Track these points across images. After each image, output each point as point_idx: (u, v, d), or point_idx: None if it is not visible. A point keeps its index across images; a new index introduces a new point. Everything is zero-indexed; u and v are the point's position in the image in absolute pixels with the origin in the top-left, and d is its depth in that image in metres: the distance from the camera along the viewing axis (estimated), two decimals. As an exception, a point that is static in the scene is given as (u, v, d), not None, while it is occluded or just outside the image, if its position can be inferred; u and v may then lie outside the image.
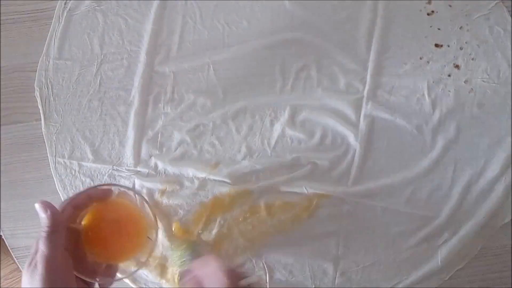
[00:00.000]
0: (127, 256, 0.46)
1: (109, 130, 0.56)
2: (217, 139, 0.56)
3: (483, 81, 0.57)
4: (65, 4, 0.58)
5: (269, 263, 0.54)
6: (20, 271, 0.57)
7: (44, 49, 0.57)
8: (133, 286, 0.53)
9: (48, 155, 0.56)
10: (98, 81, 0.57)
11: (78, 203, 0.43)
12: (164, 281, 0.53)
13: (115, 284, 0.53)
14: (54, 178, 0.56)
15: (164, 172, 0.55)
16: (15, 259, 0.56)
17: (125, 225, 0.45)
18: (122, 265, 0.45)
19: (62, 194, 0.55)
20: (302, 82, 0.57)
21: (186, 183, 0.55)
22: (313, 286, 0.54)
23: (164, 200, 0.54)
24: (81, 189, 0.43)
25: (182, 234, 0.54)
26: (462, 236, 0.55)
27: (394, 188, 0.55)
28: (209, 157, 0.55)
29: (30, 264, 0.38)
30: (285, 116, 0.56)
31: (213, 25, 0.58)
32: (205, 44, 0.58)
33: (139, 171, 0.55)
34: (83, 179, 0.55)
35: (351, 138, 0.56)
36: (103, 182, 0.49)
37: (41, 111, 0.56)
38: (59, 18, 0.58)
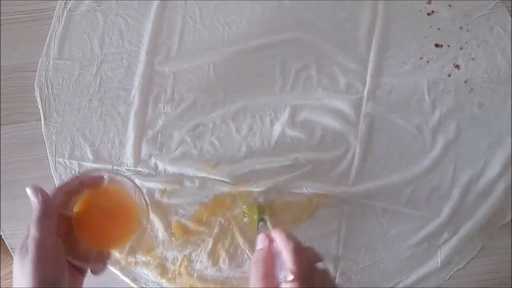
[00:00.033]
0: (119, 242, 0.46)
1: (109, 130, 0.56)
2: (217, 139, 0.56)
3: (483, 81, 0.57)
4: (65, 4, 0.58)
5: (269, 263, 0.54)
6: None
7: (44, 49, 0.57)
8: (133, 285, 0.53)
9: (48, 155, 0.56)
10: (98, 81, 0.57)
11: (70, 190, 0.43)
12: (164, 280, 0.53)
13: (116, 284, 0.54)
14: (54, 178, 0.56)
15: (164, 172, 0.55)
16: (15, 259, 0.56)
17: (117, 212, 0.45)
18: (114, 251, 0.45)
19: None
20: (302, 82, 0.57)
21: (186, 183, 0.55)
22: (313, 286, 0.54)
23: (165, 200, 0.54)
24: (73, 175, 0.43)
25: (182, 233, 0.54)
26: (462, 236, 0.55)
27: (394, 188, 0.55)
28: (209, 157, 0.55)
29: (21, 248, 0.38)
30: (285, 116, 0.56)
31: (213, 25, 0.58)
32: (205, 44, 0.58)
33: (139, 171, 0.55)
34: (83, 179, 0.55)
35: (351, 138, 0.56)
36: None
37: (41, 111, 0.56)
38: (59, 18, 0.58)
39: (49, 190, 0.40)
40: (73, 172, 0.55)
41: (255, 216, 0.52)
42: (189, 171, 0.55)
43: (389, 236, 0.55)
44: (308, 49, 0.58)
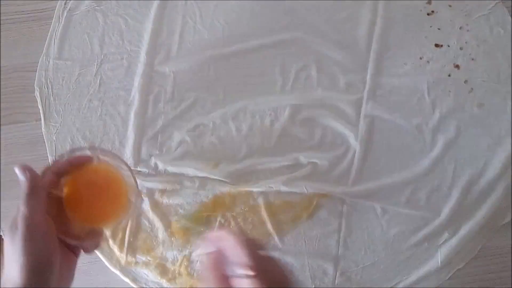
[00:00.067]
0: (109, 219, 0.46)
1: (109, 130, 0.56)
2: (217, 139, 0.56)
3: (483, 81, 0.58)
4: (65, 4, 0.58)
5: (269, 263, 0.54)
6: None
7: (44, 49, 0.57)
8: (133, 285, 0.53)
9: (48, 155, 0.56)
10: (98, 81, 0.57)
11: (59, 170, 0.43)
12: (164, 280, 0.53)
13: (116, 284, 0.54)
14: (54, 178, 0.56)
15: (164, 172, 0.55)
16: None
17: (106, 189, 0.46)
18: (105, 229, 0.46)
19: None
20: (302, 82, 0.57)
21: (186, 183, 0.55)
22: (313, 286, 0.54)
23: (165, 200, 0.54)
24: (61, 154, 0.44)
25: (183, 233, 0.54)
26: (462, 236, 0.55)
27: (394, 188, 0.55)
28: (209, 157, 0.55)
29: (11, 227, 0.38)
30: (285, 116, 0.56)
31: (213, 25, 0.58)
32: (205, 44, 0.58)
33: (139, 171, 0.55)
34: (83, 179, 0.55)
35: (351, 138, 0.56)
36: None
37: (41, 111, 0.56)
38: (59, 18, 0.58)
39: (39, 170, 0.41)
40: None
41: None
42: (189, 171, 0.55)
43: (389, 236, 0.55)
44: (308, 49, 0.58)
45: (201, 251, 0.43)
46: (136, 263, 0.54)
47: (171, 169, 0.55)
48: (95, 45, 0.57)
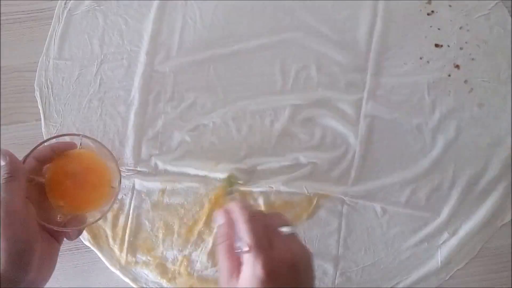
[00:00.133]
0: (91, 206, 0.46)
1: (109, 130, 0.56)
2: (217, 138, 0.56)
3: (483, 81, 0.58)
4: (65, 4, 0.58)
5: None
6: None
7: (44, 49, 0.57)
8: (133, 285, 0.53)
9: (48, 155, 0.56)
10: (98, 81, 0.57)
11: (41, 156, 0.44)
12: (164, 280, 0.53)
13: (116, 284, 0.54)
14: (54, 178, 0.56)
15: (165, 172, 0.55)
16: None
17: (88, 176, 0.46)
18: (88, 215, 0.46)
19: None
20: (302, 82, 0.57)
21: (187, 183, 0.55)
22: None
23: (165, 200, 0.54)
24: (43, 140, 0.45)
25: (183, 233, 0.54)
26: (462, 236, 0.55)
27: (394, 188, 0.55)
28: (209, 157, 0.55)
29: None
30: (285, 116, 0.56)
31: (213, 25, 0.58)
32: (205, 44, 0.58)
33: (139, 170, 0.55)
34: (83, 179, 0.55)
35: (351, 138, 0.56)
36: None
37: (41, 111, 0.56)
38: (59, 18, 0.58)
39: (20, 157, 0.41)
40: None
41: (226, 187, 0.52)
42: (190, 170, 0.55)
43: (389, 236, 0.55)
44: (308, 49, 0.58)
45: (215, 223, 0.43)
46: (136, 263, 0.54)
47: (171, 168, 0.55)
48: (95, 45, 0.57)
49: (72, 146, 0.46)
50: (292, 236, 0.41)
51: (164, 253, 0.54)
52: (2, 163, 0.39)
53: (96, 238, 0.54)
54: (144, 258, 0.54)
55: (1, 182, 0.38)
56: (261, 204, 0.54)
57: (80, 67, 0.57)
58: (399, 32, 0.58)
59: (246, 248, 0.38)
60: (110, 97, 0.57)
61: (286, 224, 0.42)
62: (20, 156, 0.42)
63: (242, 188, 0.54)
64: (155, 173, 0.55)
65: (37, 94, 0.57)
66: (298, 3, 0.58)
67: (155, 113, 0.56)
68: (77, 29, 0.58)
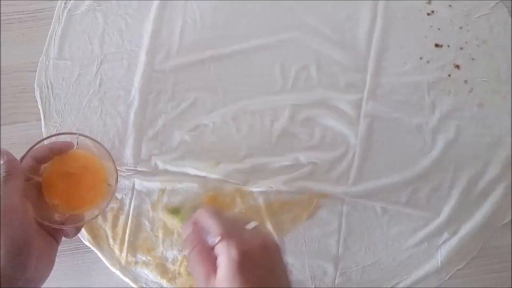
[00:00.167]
0: (88, 205, 0.47)
1: (109, 130, 0.56)
2: (217, 138, 0.56)
3: (483, 81, 0.58)
4: (65, 4, 0.58)
5: (269, 263, 0.54)
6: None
7: (44, 49, 0.57)
8: (133, 285, 0.53)
9: (48, 155, 0.56)
10: (98, 81, 0.57)
11: (39, 156, 0.44)
12: (164, 280, 0.53)
13: (116, 284, 0.54)
14: (54, 178, 0.56)
15: (165, 172, 0.55)
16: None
17: (84, 175, 0.47)
18: (86, 214, 0.47)
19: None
20: (302, 82, 0.57)
21: (187, 183, 0.55)
22: (313, 286, 0.54)
23: (165, 199, 0.54)
24: (40, 139, 0.45)
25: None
26: (462, 236, 0.55)
27: (394, 188, 0.55)
28: (209, 157, 0.55)
29: None
30: (285, 116, 0.56)
31: (213, 25, 0.58)
32: (205, 44, 0.58)
33: (139, 170, 0.55)
34: (83, 179, 0.56)
35: (351, 138, 0.56)
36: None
37: (41, 111, 0.56)
38: (59, 18, 0.58)
39: (19, 157, 0.42)
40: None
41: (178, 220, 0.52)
42: (190, 170, 0.55)
43: (389, 236, 0.55)
44: (308, 49, 0.58)
45: (183, 235, 0.44)
46: (136, 263, 0.54)
47: (171, 168, 0.55)
48: (95, 45, 0.57)
49: (69, 145, 0.47)
50: (257, 228, 0.42)
51: (164, 253, 0.54)
52: (0, 161, 0.40)
53: (96, 238, 0.54)
54: (144, 258, 0.54)
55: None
56: (261, 204, 0.54)
57: (80, 67, 0.57)
58: (399, 32, 0.58)
59: (218, 238, 0.39)
60: (110, 97, 0.57)
61: (248, 222, 0.43)
62: (18, 156, 0.43)
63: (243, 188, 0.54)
64: (155, 173, 0.55)
65: (37, 94, 0.57)
66: (298, 3, 0.58)
67: (155, 113, 0.56)
68: (77, 29, 0.58)
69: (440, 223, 0.55)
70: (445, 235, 0.55)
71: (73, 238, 0.53)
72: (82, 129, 0.56)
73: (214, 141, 0.56)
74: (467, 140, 0.56)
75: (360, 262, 0.54)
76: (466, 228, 0.55)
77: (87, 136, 0.47)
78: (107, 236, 0.54)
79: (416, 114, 0.57)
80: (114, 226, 0.54)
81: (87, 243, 0.54)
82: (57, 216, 0.45)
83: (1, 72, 0.57)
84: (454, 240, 0.55)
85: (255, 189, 0.54)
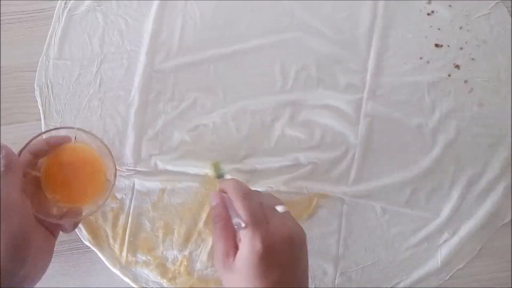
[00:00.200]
0: (86, 199, 0.47)
1: (109, 130, 0.56)
2: (217, 138, 0.56)
3: (483, 81, 0.58)
4: (65, 4, 0.58)
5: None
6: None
7: (44, 49, 0.57)
8: (133, 285, 0.53)
9: (48, 155, 0.56)
10: (98, 81, 0.57)
11: (36, 150, 0.44)
12: (164, 280, 0.53)
13: (116, 284, 0.54)
14: (54, 178, 0.56)
15: (165, 171, 0.55)
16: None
17: (82, 169, 0.47)
18: (84, 208, 0.47)
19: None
20: (302, 82, 0.57)
21: (187, 182, 0.55)
22: (313, 286, 0.54)
23: (165, 199, 0.54)
24: (38, 134, 0.45)
25: (183, 233, 0.54)
26: (462, 236, 0.55)
27: (394, 188, 0.55)
28: (209, 157, 0.55)
29: None
30: (285, 116, 0.56)
31: (213, 25, 0.58)
32: (205, 44, 0.58)
33: (139, 170, 0.55)
34: (83, 179, 0.56)
35: (351, 138, 0.56)
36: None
37: (41, 111, 0.56)
38: (59, 18, 0.58)
39: (16, 151, 0.41)
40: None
41: (214, 174, 0.51)
42: (190, 170, 0.55)
43: (389, 236, 0.55)
44: (308, 49, 0.58)
45: (210, 203, 0.44)
46: (136, 262, 0.54)
47: (171, 168, 0.55)
48: (95, 45, 0.57)
49: (66, 140, 0.46)
50: (286, 213, 0.42)
51: (164, 253, 0.54)
52: None
53: (96, 238, 0.54)
54: (144, 258, 0.54)
55: None
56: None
57: (80, 67, 0.57)
58: (399, 32, 0.58)
59: (243, 225, 0.38)
60: (110, 97, 0.57)
61: (279, 203, 0.42)
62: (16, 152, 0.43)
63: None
64: (155, 173, 0.55)
65: (37, 94, 0.57)
66: (298, 3, 0.58)
67: (155, 113, 0.56)
68: (77, 29, 0.58)
69: (440, 223, 0.55)
70: (445, 235, 0.55)
71: (73, 238, 0.53)
72: (82, 129, 0.56)
73: (214, 141, 0.56)
74: (467, 140, 0.56)
75: (360, 262, 0.54)
76: (466, 228, 0.55)
77: (85, 131, 0.47)
78: (107, 236, 0.54)
79: (416, 114, 0.57)
80: (114, 226, 0.54)
81: (87, 243, 0.54)
82: (55, 210, 0.45)
83: (1, 72, 0.57)
84: (454, 240, 0.55)
85: (255, 189, 0.54)
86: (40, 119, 0.56)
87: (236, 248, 0.39)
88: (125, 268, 0.53)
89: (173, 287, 0.53)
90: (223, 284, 0.41)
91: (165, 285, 0.53)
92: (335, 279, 0.54)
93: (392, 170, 0.56)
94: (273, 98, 0.57)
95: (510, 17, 0.59)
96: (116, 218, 0.54)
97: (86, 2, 0.58)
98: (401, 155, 0.56)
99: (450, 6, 0.59)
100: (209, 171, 0.54)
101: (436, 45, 0.58)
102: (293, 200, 0.54)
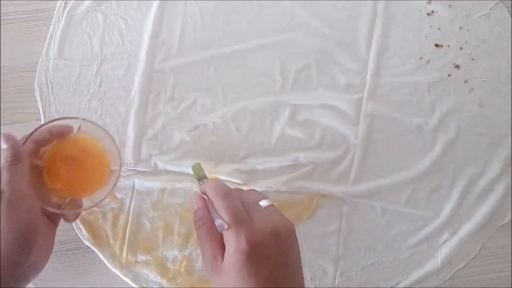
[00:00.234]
0: (90, 190, 0.46)
1: (109, 130, 0.55)
2: (217, 138, 0.56)
3: (483, 81, 0.58)
4: (65, 4, 0.58)
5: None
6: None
7: (44, 49, 0.57)
8: (133, 285, 0.53)
9: (48, 155, 0.56)
10: (98, 81, 0.57)
11: (39, 139, 0.43)
12: (164, 280, 0.53)
13: (116, 284, 0.54)
14: (54, 178, 0.56)
15: (165, 172, 0.55)
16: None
17: (86, 159, 0.46)
18: (87, 198, 0.46)
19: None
20: (302, 82, 0.57)
21: (187, 182, 0.55)
22: (313, 286, 0.54)
23: (165, 199, 0.54)
24: (41, 124, 0.44)
25: (183, 233, 0.54)
26: (462, 236, 0.55)
27: (394, 188, 0.55)
28: (209, 157, 0.55)
29: None
30: (285, 116, 0.56)
31: (213, 25, 0.58)
32: (205, 44, 0.58)
33: (139, 170, 0.55)
34: (83, 179, 0.55)
35: (351, 138, 0.56)
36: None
37: (41, 111, 0.56)
38: (59, 18, 0.58)
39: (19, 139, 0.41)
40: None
41: (194, 177, 0.48)
42: (190, 170, 0.55)
43: (389, 236, 0.55)
44: (308, 49, 0.58)
45: (192, 207, 0.43)
46: (136, 262, 0.54)
47: (171, 168, 0.55)
48: (95, 45, 0.57)
49: (69, 129, 0.46)
50: (271, 207, 0.41)
51: (164, 253, 0.54)
52: (4, 145, 0.39)
53: (96, 238, 0.54)
54: (144, 258, 0.54)
55: (6, 165, 0.38)
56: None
57: (80, 67, 0.57)
58: (399, 32, 0.58)
59: (226, 226, 0.38)
60: (110, 97, 0.57)
61: (263, 197, 0.41)
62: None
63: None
64: (155, 173, 0.55)
65: (37, 94, 0.57)
66: (298, 3, 0.58)
67: (155, 113, 0.56)
68: (77, 29, 0.58)
69: (440, 223, 0.55)
70: (445, 235, 0.55)
71: (73, 238, 0.53)
72: (82, 129, 0.56)
73: (214, 141, 0.56)
74: (467, 140, 0.56)
75: (360, 262, 0.54)
76: (466, 228, 0.55)
77: (90, 121, 0.46)
78: (107, 236, 0.54)
79: (416, 114, 0.57)
80: (114, 226, 0.54)
81: (87, 243, 0.54)
82: (55, 200, 0.45)
83: (1, 72, 0.57)
84: (454, 240, 0.55)
85: (255, 189, 0.54)
86: (40, 119, 0.56)
87: (223, 249, 0.38)
88: (125, 268, 0.53)
89: (173, 287, 0.53)
90: (213, 286, 0.40)
91: (165, 285, 0.53)
92: (335, 279, 0.54)
93: (392, 170, 0.56)
94: (273, 98, 0.57)
95: (510, 17, 0.59)
96: (116, 218, 0.54)
97: (86, 2, 0.58)
98: (401, 155, 0.56)
99: (450, 6, 0.59)
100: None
101: (436, 45, 0.58)
102: (293, 200, 0.54)
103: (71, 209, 0.45)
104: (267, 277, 0.37)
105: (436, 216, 0.55)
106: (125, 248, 0.53)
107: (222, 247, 0.39)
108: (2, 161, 0.39)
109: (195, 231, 0.40)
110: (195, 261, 0.54)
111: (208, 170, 0.54)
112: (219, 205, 0.39)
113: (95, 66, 0.57)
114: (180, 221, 0.54)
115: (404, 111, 0.57)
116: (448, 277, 0.55)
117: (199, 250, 0.54)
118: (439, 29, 0.58)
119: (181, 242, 0.54)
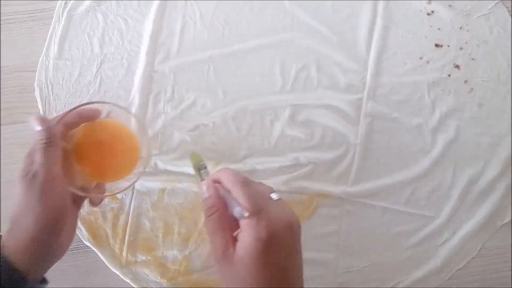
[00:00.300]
0: (118, 175, 0.46)
1: (109, 130, 0.56)
2: (217, 138, 0.56)
3: (483, 81, 0.58)
4: (65, 4, 0.58)
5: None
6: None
7: (44, 49, 0.57)
8: (133, 285, 0.53)
9: (48, 155, 0.56)
10: (98, 81, 0.57)
11: (68, 122, 0.43)
12: (165, 280, 0.53)
13: (116, 284, 0.54)
14: (54, 178, 0.56)
15: (165, 172, 0.55)
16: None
17: (115, 145, 0.46)
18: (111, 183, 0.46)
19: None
20: (302, 82, 0.57)
21: (187, 182, 0.55)
22: (313, 286, 0.54)
23: (165, 199, 0.54)
24: (71, 107, 0.44)
25: (183, 233, 0.54)
26: (462, 236, 0.55)
27: (394, 188, 0.55)
28: (209, 157, 0.55)
29: (25, 176, 0.38)
30: (285, 116, 0.56)
31: (213, 25, 0.58)
32: (205, 44, 0.58)
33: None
34: (83, 179, 0.55)
35: (351, 138, 0.56)
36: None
37: (41, 111, 0.56)
38: (59, 18, 0.58)
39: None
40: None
41: (195, 166, 0.47)
42: (190, 170, 0.55)
43: (389, 236, 0.55)
44: (308, 49, 0.58)
45: (202, 194, 0.42)
46: (136, 262, 0.54)
47: (171, 168, 0.55)
48: (95, 45, 0.57)
49: (97, 112, 0.45)
50: (281, 200, 0.41)
51: (164, 253, 0.54)
52: (38, 127, 0.39)
53: (96, 238, 0.54)
54: (144, 258, 0.54)
55: (40, 148, 0.38)
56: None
57: (80, 67, 0.57)
58: (399, 32, 0.58)
59: (246, 214, 0.37)
60: (110, 97, 0.57)
61: (272, 190, 0.41)
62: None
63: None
64: (155, 173, 0.55)
65: (37, 94, 0.57)
66: (298, 3, 0.58)
67: (155, 113, 0.56)
68: (77, 29, 0.58)
69: (440, 223, 0.55)
70: (445, 235, 0.55)
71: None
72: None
73: (214, 141, 0.56)
74: (467, 140, 0.56)
75: (360, 262, 0.54)
76: (466, 228, 0.55)
77: (120, 106, 0.46)
78: (107, 236, 0.54)
79: (416, 114, 0.57)
80: (114, 226, 0.54)
81: (87, 243, 0.54)
82: (83, 184, 0.44)
83: (1, 72, 0.57)
84: (454, 240, 0.55)
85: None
86: (40, 119, 0.56)
87: (234, 239, 0.38)
88: (125, 268, 0.53)
89: (173, 287, 0.53)
90: (220, 278, 0.39)
91: (165, 285, 0.53)
92: (335, 279, 0.54)
93: (392, 170, 0.56)
94: (273, 98, 0.57)
95: (510, 17, 0.59)
96: (116, 218, 0.54)
97: (86, 2, 0.58)
98: (401, 155, 0.56)
99: (450, 6, 0.59)
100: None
101: (436, 45, 0.58)
102: (293, 200, 0.54)
103: (97, 193, 0.45)
104: (281, 268, 0.37)
105: (436, 216, 0.55)
106: (125, 248, 0.54)
107: (233, 237, 0.38)
108: (36, 142, 0.39)
109: (195, 231, 0.40)
110: (195, 261, 0.54)
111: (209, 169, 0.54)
112: (239, 193, 0.38)
113: (95, 66, 0.57)
114: (180, 221, 0.54)
115: (404, 111, 0.57)
116: (448, 277, 0.55)
117: (199, 250, 0.54)
118: (439, 29, 0.58)
119: (181, 242, 0.54)
